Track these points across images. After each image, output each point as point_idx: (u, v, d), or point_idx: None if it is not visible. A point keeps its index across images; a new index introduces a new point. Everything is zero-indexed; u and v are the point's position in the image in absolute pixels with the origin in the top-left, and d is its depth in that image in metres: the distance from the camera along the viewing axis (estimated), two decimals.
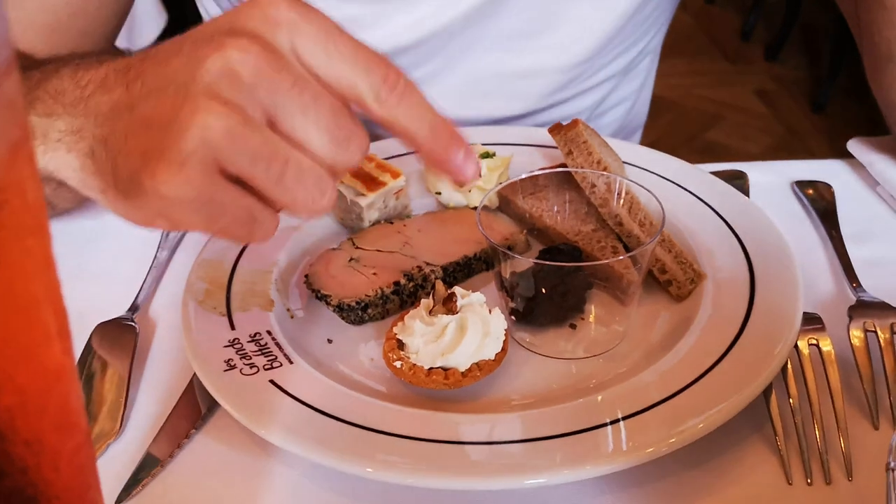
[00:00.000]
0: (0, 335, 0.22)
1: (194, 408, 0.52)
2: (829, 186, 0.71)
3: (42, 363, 0.23)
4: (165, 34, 1.67)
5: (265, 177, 0.37)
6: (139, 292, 0.62)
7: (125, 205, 0.40)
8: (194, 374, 0.53)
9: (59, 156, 0.43)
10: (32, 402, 0.23)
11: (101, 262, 0.66)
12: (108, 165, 0.40)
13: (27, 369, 0.22)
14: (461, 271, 0.62)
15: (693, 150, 2.57)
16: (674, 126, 2.69)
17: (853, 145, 0.74)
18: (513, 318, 0.55)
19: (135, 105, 0.39)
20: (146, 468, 0.48)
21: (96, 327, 0.58)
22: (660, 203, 0.55)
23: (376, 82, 0.38)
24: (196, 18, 0.92)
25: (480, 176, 0.46)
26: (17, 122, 0.22)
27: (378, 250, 0.62)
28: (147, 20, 1.63)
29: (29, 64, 0.54)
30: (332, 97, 0.38)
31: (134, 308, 0.60)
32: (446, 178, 0.46)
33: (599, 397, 0.48)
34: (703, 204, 0.64)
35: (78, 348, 0.56)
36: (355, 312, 0.57)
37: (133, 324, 0.58)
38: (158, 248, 0.67)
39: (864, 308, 0.55)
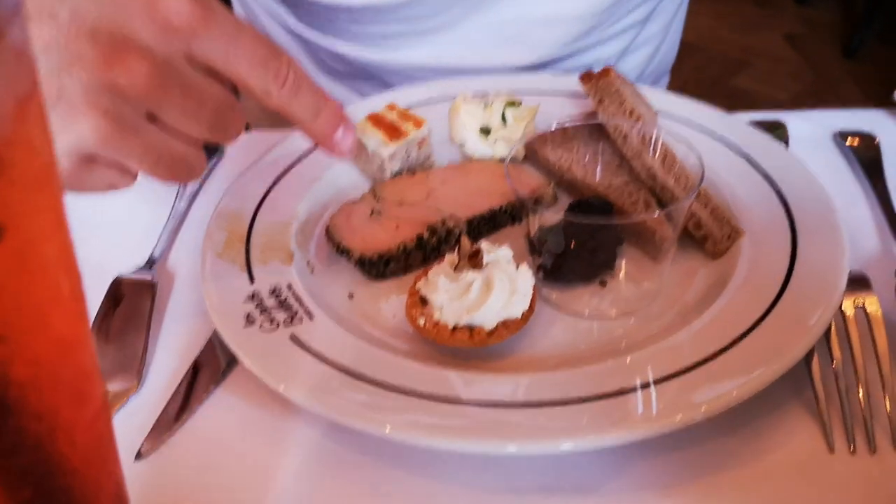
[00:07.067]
0: (10, 303, 0.20)
1: (214, 363, 0.51)
2: (873, 137, 0.67)
3: (55, 331, 0.21)
4: None
5: (139, 165, 0.42)
6: (157, 244, 0.61)
7: None
8: (214, 328, 0.52)
9: None
10: (46, 373, 0.21)
11: (117, 213, 0.64)
12: None
13: (40, 339, 0.21)
14: (486, 224, 0.60)
15: (718, 95, 2.48)
16: (699, 71, 2.61)
17: None
18: (540, 274, 0.53)
19: None
20: (166, 423, 0.47)
21: (114, 281, 0.56)
22: (698, 157, 0.52)
23: (268, 80, 0.42)
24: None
25: (349, 151, 0.49)
26: (26, 73, 0.19)
27: (400, 202, 0.60)
28: None
29: None
30: (218, 93, 0.42)
31: (151, 261, 0.59)
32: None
33: (629, 359, 0.46)
34: (740, 156, 0.61)
35: (95, 302, 0.55)
36: (377, 267, 0.55)
37: (151, 277, 0.57)
38: (176, 198, 0.65)
39: None
